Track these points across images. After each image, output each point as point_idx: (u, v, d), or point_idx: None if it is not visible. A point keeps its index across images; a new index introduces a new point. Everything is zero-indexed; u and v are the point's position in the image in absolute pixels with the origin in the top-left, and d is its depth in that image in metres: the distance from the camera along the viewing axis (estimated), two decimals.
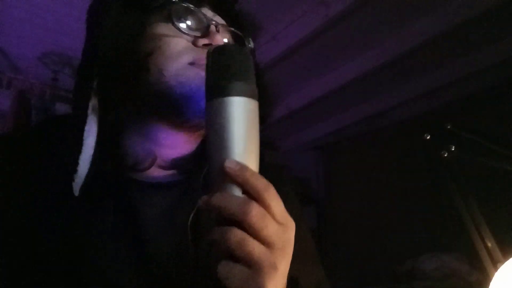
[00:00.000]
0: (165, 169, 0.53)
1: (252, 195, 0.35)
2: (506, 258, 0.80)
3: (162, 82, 0.48)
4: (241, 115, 0.36)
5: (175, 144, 0.53)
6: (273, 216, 0.35)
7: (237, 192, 0.35)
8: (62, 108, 2.54)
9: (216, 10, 0.55)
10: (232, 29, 0.57)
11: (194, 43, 0.51)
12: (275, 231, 0.34)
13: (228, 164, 0.34)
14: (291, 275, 0.40)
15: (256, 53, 2.27)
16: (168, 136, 0.52)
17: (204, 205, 0.35)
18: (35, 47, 2.31)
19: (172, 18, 0.50)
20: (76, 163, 0.45)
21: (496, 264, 0.82)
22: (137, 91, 0.49)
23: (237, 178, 0.34)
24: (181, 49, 0.49)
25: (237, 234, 0.33)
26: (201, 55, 0.47)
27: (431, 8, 1.85)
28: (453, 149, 0.90)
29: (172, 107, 0.48)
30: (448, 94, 2.53)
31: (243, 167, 0.35)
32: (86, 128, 0.46)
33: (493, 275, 0.78)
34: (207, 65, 0.39)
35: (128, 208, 0.48)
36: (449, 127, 0.92)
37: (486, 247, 0.85)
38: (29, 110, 2.44)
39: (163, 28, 0.50)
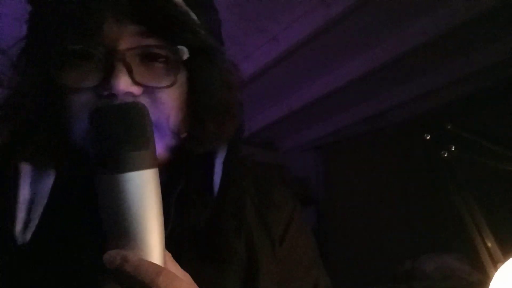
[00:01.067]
0: None
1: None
2: (506, 258, 0.80)
3: (74, 144, 0.42)
4: (139, 192, 0.32)
5: None
6: None
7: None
8: None
9: (124, 20, 0.39)
10: (152, 40, 0.41)
11: (98, 95, 0.40)
12: None
13: (107, 257, 0.32)
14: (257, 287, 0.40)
15: (256, 54, 2.27)
16: None
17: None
18: None
19: (60, 72, 0.40)
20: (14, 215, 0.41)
21: (496, 264, 0.82)
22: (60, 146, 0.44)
23: (120, 275, 0.31)
24: (78, 110, 0.40)
25: None
26: None
27: (431, 8, 1.85)
28: (453, 149, 0.90)
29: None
30: (448, 94, 2.53)
31: (123, 261, 0.31)
32: (23, 175, 0.43)
33: (493, 275, 0.78)
34: (90, 132, 0.34)
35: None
36: (449, 127, 0.92)
37: (486, 247, 0.85)
38: None
39: (58, 83, 0.41)
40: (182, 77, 0.44)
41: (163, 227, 0.35)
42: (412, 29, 1.98)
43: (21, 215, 0.42)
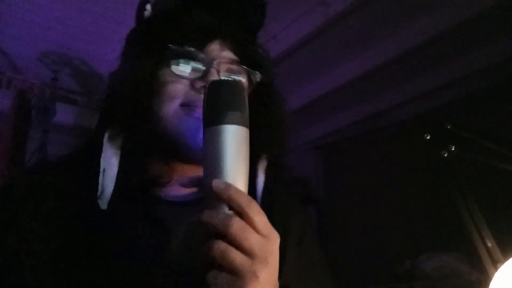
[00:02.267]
0: (185, 187, 0.57)
1: (236, 211, 0.38)
2: (506, 258, 0.80)
3: (159, 123, 0.54)
4: (231, 141, 0.41)
5: (186, 170, 0.57)
6: (256, 229, 0.38)
7: (225, 209, 0.39)
8: (61, 107, 2.54)
9: (226, 44, 0.56)
10: (238, 65, 0.57)
11: (192, 85, 0.53)
12: (257, 242, 0.38)
13: (214, 184, 0.39)
14: (282, 283, 0.45)
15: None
16: (176, 164, 0.56)
17: (195, 222, 0.39)
18: (35, 47, 2.31)
19: (169, 63, 0.54)
20: (97, 183, 0.51)
21: (496, 264, 0.82)
22: (142, 130, 0.55)
23: (223, 196, 0.39)
24: (175, 93, 0.53)
25: (220, 246, 0.37)
26: (196, 97, 0.52)
27: (431, 8, 1.85)
28: (453, 149, 0.90)
29: (169, 146, 0.54)
30: (448, 94, 2.53)
31: (228, 186, 0.39)
32: (103, 155, 0.52)
33: (493, 275, 0.78)
34: (203, 98, 0.44)
35: (155, 221, 0.53)
36: (449, 127, 0.92)
37: (486, 247, 0.85)
38: (29, 110, 2.44)
39: (163, 72, 0.54)
40: (252, 87, 0.59)
41: (248, 174, 0.42)
42: (412, 29, 1.98)
43: (100, 189, 0.51)
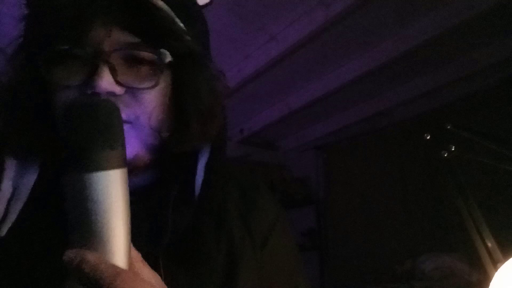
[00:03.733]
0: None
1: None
2: (506, 258, 0.80)
3: (58, 140, 0.43)
4: (105, 192, 0.32)
5: None
6: None
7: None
8: None
9: (112, 26, 0.41)
10: (136, 47, 0.43)
11: (82, 93, 0.41)
12: None
13: (67, 256, 0.31)
14: None
15: (256, 53, 2.27)
16: None
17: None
18: None
19: (48, 70, 0.42)
20: None
21: (496, 264, 0.82)
22: (47, 143, 0.45)
23: (78, 273, 0.31)
24: (63, 107, 0.41)
25: None
26: None
27: (431, 8, 1.85)
28: (453, 149, 0.90)
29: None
30: (448, 94, 2.53)
31: (82, 261, 0.31)
32: (6, 182, 0.44)
33: (493, 275, 0.78)
34: (60, 127, 0.35)
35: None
36: (449, 127, 0.92)
37: (486, 247, 0.85)
38: None
39: (47, 82, 0.43)
40: (166, 79, 0.45)
41: (129, 227, 0.34)
42: (412, 29, 1.98)
43: (0, 208, 0.43)
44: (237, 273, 0.48)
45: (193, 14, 0.48)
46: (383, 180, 2.96)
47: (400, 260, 2.22)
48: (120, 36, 0.41)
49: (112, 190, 0.32)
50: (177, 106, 0.47)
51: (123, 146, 0.34)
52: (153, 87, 0.43)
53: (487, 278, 0.80)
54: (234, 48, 2.18)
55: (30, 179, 0.45)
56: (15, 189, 0.44)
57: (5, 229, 0.42)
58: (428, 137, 0.95)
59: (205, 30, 0.52)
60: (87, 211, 0.31)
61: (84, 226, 0.31)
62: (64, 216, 0.37)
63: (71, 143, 0.32)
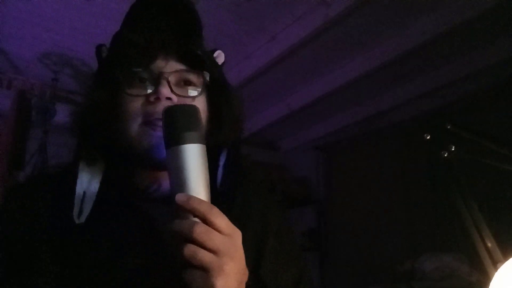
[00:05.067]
0: None
1: (199, 217, 0.45)
2: (506, 258, 0.80)
3: (125, 142, 0.59)
4: (190, 158, 0.47)
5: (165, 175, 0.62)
6: (218, 230, 0.45)
7: (191, 217, 0.45)
8: (62, 108, 2.54)
9: (170, 57, 0.62)
10: (185, 72, 0.63)
11: (147, 101, 0.59)
12: (220, 241, 0.45)
13: (178, 198, 0.46)
14: (260, 274, 0.57)
15: (256, 53, 2.29)
16: (156, 172, 0.62)
17: (167, 231, 0.45)
18: (35, 47, 2.31)
19: (123, 87, 0.60)
20: (72, 200, 0.58)
21: (496, 264, 0.82)
22: (115, 150, 0.61)
23: (186, 207, 0.45)
24: (134, 112, 0.59)
25: (190, 248, 0.44)
26: (152, 111, 0.58)
27: (431, 8, 1.86)
28: (453, 149, 0.90)
29: (139, 160, 0.60)
30: (448, 94, 2.53)
31: (189, 198, 0.46)
32: (79, 181, 0.60)
33: (493, 275, 0.78)
34: (162, 122, 0.51)
35: (142, 219, 0.59)
36: (449, 127, 0.92)
37: (486, 247, 0.85)
38: (29, 110, 2.44)
39: (120, 97, 0.61)
40: (204, 94, 0.64)
41: (208, 183, 0.49)
42: (412, 29, 1.99)
43: (77, 204, 0.58)
44: (261, 258, 0.63)
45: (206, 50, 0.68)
46: (383, 180, 2.96)
47: (400, 260, 2.22)
48: (174, 65, 0.62)
49: (198, 156, 0.48)
50: (211, 114, 0.64)
51: (203, 130, 0.54)
52: (196, 96, 0.62)
53: (487, 278, 0.80)
54: (234, 48, 2.18)
55: (95, 185, 0.60)
56: (85, 192, 0.59)
57: (83, 218, 0.57)
58: (428, 137, 0.95)
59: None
60: (184, 170, 0.47)
61: (182, 181, 0.47)
62: (126, 212, 0.59)
63: (172, 128, 0.49)
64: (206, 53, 0.65)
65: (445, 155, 0.90)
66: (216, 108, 0.65)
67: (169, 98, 0.59)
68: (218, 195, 0.57)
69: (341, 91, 2.53)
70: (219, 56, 0.69)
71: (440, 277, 1.93)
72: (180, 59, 0.62)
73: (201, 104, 0.62)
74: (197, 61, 0.62)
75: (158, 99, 0.58)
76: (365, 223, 3.01)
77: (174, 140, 0.48)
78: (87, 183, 0.60)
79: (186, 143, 0.48)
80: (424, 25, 1.94)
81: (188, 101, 0.60)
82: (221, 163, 0.66)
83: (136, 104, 0.59)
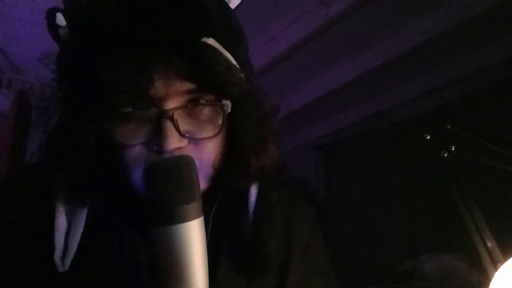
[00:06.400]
0: None
1: None
2: (506, 258, 0.80)
3: (128, 188, 0.46)
4: (187, 240, 0.36)
5: None
6: None
7: None
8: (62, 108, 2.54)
9: (170, 77, 0.41)
10: (197, 100, 0.44)
11: (148, 149, 0.43)
12: None
13: None
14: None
15: (256, 53, 2.28)
16: None
17: None
18: (35, 47, 2.31)
19: (113, 130, 0.43)
20: (52, 233, 0.45)
21: (496, 264, 0.82)
22: (110, 187, 0.48)
23: None
24: (134, 164, 0.44)
25: None
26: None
27: (431, 8, 1.85)
28: (453, 149, 0.90)
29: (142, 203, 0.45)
30: (448, 94, 2.53)
31: None
32: (59, 221, 0.46)
33: (493, 275, 0.78)
34: (144, 183, 0.38)
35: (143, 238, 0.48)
36: (449, 127, 0.92)
37: (486, 247, 0.85)
38: (29, 110, 2.44)
39: (111, 138, 0.44)
40: (224, 122, 0.46)
41: (207, 270, 0.37)
42: (412, 29, 1.98)
43: (60, 242, 0.44)
44: (286, 277, 0.53)
45: (238, 35, 0.49)
46: (383, 180, 2.95)
47: (400, 260, 2.22)
48: (179, 86, 0.41)
49: (194, 237, 0.36)
50: (233, 143, 0.48)
51: (200, 196, 0.38)
52: (215, 136, 0.45)
53: (487, 278, 0.80)
54: None
55: (83, 212, 0.46)
56: (69, 222, 0.45)
57: (68, 262, 0.44)
58: (428, 137, 0.95)
59: (246, 43, 0.52)
60: (173, 257, 0.36)
61: (170, 270, 0.36)
62: (122, 248, 0.45)
63: (158, 201, 0.36)
64: (231, 66, 0.43)
65: (445, 155, 0.90)
66: (241, 135, 0.48)
67: (177, 148, 0.42)
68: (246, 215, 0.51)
69: (341, 91, 2.53)
70: (231, 1, 0.50)
71: (440, 277, 1.93)
72: (186, 77, 0.41)
73: (221, 137, 0.46)
74: (212, 77, 0.41)
75: (163, 151, 0.41)
76: (365, 223, 3.01)
77: (165, 217, 0.36)
78: (69, 218, 0.46)
79: (182, 222, 0.36)
80: (423, 25, 1.94)
81: (203, 143, 0.44)
82: (253, 185, 0.53)
83: (135, 152, 0.43)
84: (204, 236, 0.38)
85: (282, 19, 1.95)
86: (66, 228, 0.45)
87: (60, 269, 0.43)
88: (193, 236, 0.36)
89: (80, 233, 0.45)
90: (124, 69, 0.38)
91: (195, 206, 0.37)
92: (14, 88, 2.53)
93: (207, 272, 0.37)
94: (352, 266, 2.96)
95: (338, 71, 2.42)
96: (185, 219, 0.36)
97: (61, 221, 0.45)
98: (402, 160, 2.85)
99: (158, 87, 0.41)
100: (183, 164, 0.38)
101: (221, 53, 0.42)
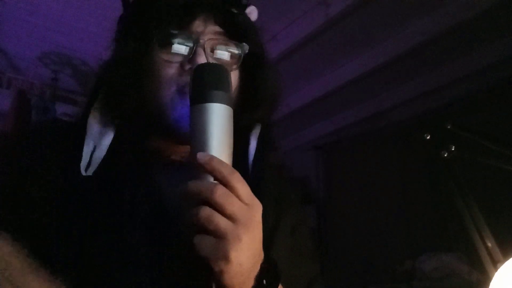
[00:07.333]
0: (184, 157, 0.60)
1: (220, 180, 0.41)
2: (506, 258, 0.80)
3: (155, 108, 0.55)
4: (215, 117, 0.44)
5: (182, 149, 0.59)
6: (238, 197, 0.41)
7: (210, 179, 0.42)
8: (62, 108, 2.54)
9: (210, 18, 0.57)
10: (224, 39, 0.58)
11: (182, 68, 0.55)
12: (239, 208, 0.40)
13: (199, 156, 0.42)
14: (272, 258, 0.48)
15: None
16: (172, 144, 0.59)
17: (183, 191, 0.41)
18: (35, 47, 2.31)
19: (157, 48, 0.55)
20: (81, 151, 0.54)
21: (496, 264, 0.82)
22: (136, 111, 0.57)
23: (206, 167, 0.41)
24: (168, 79, 0.55)
25: (206, 211, 0.39)
26: (187, 80, 0.52)
27: (431, 8, 1.86)
28: (453, 149, 0.90)
29: (166, 129, 0.56)
30: (448, 94, 2.53)
31: (211, 158, 0.42)
32: (89, 133, 0.55)
33: (493, 275, 0.78)
34: (190, 79, 0.48)
35: (149, 182, 0.55)
36: (449, 127, 0.92)
37: (486, 247, 0.85)
38: (29, 110, 2.44)
39: (152, 58, 0.56)
40: (239, 68, 0.60)
41: (232, 147, 0.45)
42: (412, 29, 1.98)
43: (85, 158, 0.54)
44: (272, 241, 0.57)
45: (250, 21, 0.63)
46: (383, 180, 2.96)
47: (400, 260, 2.22)
48: (213, 28, 0.57)
49: (224, 117, 0.45)
50: (244, 88, 0.60)
51: (231, 93, 0.48)
52: (233, 70, 0.57)
53: (487, 278, 0.80)
54: None
55: (108, 140, 0.56)
56: (95, 146, 0.55)
57: (91, 171, 0.54)
58: (428, 137, 0.95)
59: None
60: (207, 129, 0.44)
61: (204, 140, 0.44)
62: (133, 168, 0.55)
63: (201, 85, 0.46)
64: (249, 21, 0.61)
65: (445, 155, 0.90)
66: (251, 82, 0.60)
67: None
68: (247, 172, 0.56)
69: (341, 91, 2.53)
70: (252, 13, 0.63)
71: (440, 277, 1.93)
72: (221, 22, 0.57)
73: (236, 76, 0.59)
74: (237, 28, 0.58)
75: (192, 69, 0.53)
76: (365, 223, 3.01)
77: (201, 97, 0.45)
78: (98, 134, 0.56)
79: (214, 102, 0.45)
80: (423, 25, 1.94)
81: None
82: (253, 137, 0.61)
83: (170, 71, 0.55)
84: (232, 125, 0.46)
85: (282, 19, 1.96)
86: (92, 149, 0.55)
87: (83, 173, 0.52)
88: (224, 115, 0.45)
89: (104, 153, 0.55)
90: (180, 3, 0.55)
91: (226, 95, 0.46)
92: (14, 88, 2.53)
93: (232, 151, 0.45)
94: (352, 266, 2.96)
95: (338, 71, 2.43)
96: (219, 100, 0.45)
97: (90, 133, 0.55)
98: (402, 160, 2.85)
99: (198, 21, 0.56)
100: (223, 67, 0.49)
101: (247, 17, 0.60)
